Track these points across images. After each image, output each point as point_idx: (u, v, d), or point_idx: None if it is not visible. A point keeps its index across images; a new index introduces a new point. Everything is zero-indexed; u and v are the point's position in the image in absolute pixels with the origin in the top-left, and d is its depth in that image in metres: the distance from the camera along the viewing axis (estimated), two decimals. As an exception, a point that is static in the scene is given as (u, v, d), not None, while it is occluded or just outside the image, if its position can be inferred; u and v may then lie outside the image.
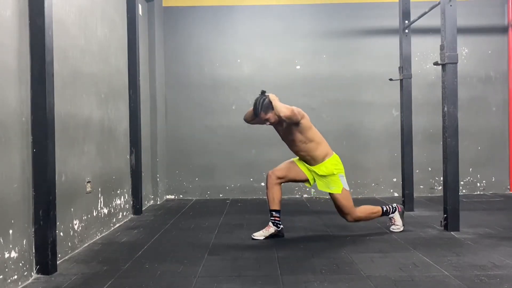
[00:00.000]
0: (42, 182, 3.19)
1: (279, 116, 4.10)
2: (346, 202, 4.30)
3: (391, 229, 4.52)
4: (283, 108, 4.07)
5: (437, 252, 3.69)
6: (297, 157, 4.45)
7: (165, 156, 7.13)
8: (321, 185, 4.36)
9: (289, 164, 4.42)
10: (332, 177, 4.30)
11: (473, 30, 7.15)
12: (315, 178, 4.37)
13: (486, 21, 7.20)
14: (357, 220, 4.40)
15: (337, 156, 4.40)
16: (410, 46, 5.70)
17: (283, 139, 4.43)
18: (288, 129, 4.27)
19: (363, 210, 4.42)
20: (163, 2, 7.19)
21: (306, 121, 4.24)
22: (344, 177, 4.36)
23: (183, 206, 6.40)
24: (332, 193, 4.31)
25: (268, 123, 4.26)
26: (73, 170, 3.91)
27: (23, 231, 3.06)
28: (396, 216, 4.53)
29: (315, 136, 4.31)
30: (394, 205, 4.58)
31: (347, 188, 4.34)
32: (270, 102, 4.14)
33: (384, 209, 4.50)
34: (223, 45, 7.22)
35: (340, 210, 4.35)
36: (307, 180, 4.42)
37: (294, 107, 4.17)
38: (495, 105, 7.23)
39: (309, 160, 4.34)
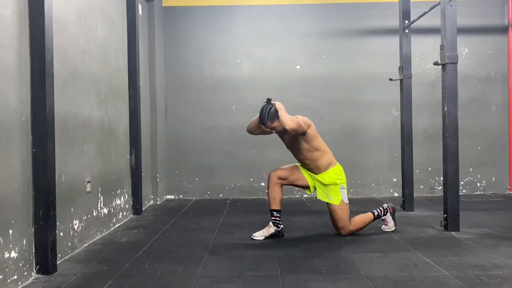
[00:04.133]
0: (42, 182, 3.19)
1: (284, 129, 4.10)
2: (343, 214, 4.31)
3: (382, 229, 4.55)
4: (289, 121, 4.05)
5: (437, 252, 3.69)
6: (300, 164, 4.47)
7: (165, 156, 7.13)
8: (321, 194, 4.38)
9: (292, 167, 4.43)
10: (333, 187, 4.33)
11: (473, 30, 7.15)
12: (317, 186, 4.38)
13: (486, 21, 7.20)
14: (351, 233, 4.39)
15: (340, 166, 4.42)
16: (410, 46, 5.70)
17: (288, 147, 4.43)
18: (294, 138, 4.27)
19: (356, 223, 4.41)
20: (163, 2, 7.19)
21: (312, 130, 4.25)
22: (345, 190, 4.38)
23: (183, 206, 6.40)
24: (330, 204, 4.32)
25: (275, 131, 4.26)
26: (73, 170, 3.91)
27: (23, 231, 3.06)
28: (388, 217, 4.54)
29: (320, 145, 4.32)
30: (385, 206, 4.56)
31: (346, 201, 4.35)
32: (277, 111, 4.12)
33: (376, 213, 4.49)
34: (223, 45, 7.22)
35: (335, 222, 4.36)
36: (307, 187, 4.43)
37: (300, 118, 4.17)
38: (495, 105, 7.23)
39: (313, 168, 4.35)
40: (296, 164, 4.49)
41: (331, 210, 4.34)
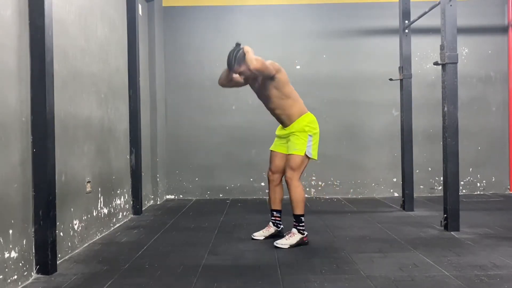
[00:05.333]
0: (42, 182, 3.19)
1: (249, 70, 3.86)
2: (299, 162, 4.00)
3: (275, 242, 3.99)
4: (253, 61, 3.81)
5: (437, 252, 3.69)
6: (274, 142, 4.31)
7: (165, 156, 7.13)
8: (279, 147, 4.18)
9: (273, 154, 4.28)
10: (300, 134, 4.04)
11: (473, 30, 7.15)
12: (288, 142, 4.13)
13: (486, 21, 7.20)
14: (292, 185, 3.99)
15: (312, 115, 4.16)
16: (410, 46, 5.70)
17: (259, 97, 4.22)
18: (263, 84, 4.05)
19: (302, 190, 4.04)
20: (163, 2, 7.19)
21: (282, 76, 4.03)
22: (313, 140, 4.07)
23: (183, 206, 6.40)
24: (291, 154, 4.03)
25: (243, 77, 4.05)
26: (73, 170, 3.91)
27: (23, 231, 3.06)
28: (297, 237, 3.98)
29: (292, 93, 4.10)
30: (306, 233, 4.06)
31: (310, 155, 4.03)
32: (244, 54, 3.88)
33: (303, 218, 4.04)
34: (223, 45, 7.14)
35: (288, 163, 4.04)
36: None
37: (269, 61, 3.98)
38: (495, 105, 7.23)
39: (284, 119, 4.12)
40: (271, 148, 4.30)
41: (288, 159, 4.05)
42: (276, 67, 4.01)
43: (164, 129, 7.13)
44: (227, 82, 4.17)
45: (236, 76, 4.06)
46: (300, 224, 4.02)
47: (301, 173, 4.09)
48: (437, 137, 6.67)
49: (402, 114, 5.75)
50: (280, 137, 4.27)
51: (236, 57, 3.95)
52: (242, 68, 3.96)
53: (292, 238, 3.98)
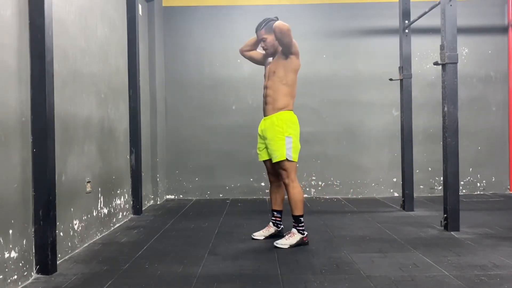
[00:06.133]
0: (42, 182, 3.19)
1: (274, 31, 3.90)
2: (286, 170, 3.98)
3: (275, 242, 3.99)
4: (282, 25, 3.84)
5: (437, 252, 3.69)
6: (257, 149, 4.26)
7: (165, 156, 7.13)
8: (264, 155, 4.17)
9: (265, 163, 4.30)
10: (275, 137, 4.00)
11: (473, 30, 7.15)
12: (266, 144, 4.13)
13: (486, 21, 7.20)
14: (289, 187, 3.99)
15: (295, 116, 4.09)
16: (410, 46, 5.70)
17: (265, 74, 4.22)
18: (276, 60, 4.09)
19: (301, 190, 4.03)
20: (163, 2, 7.19)
21: (296, 61, 4.04)
22: (293, 142, 3.98)
23: (183, 206, 6.40)
24: (275, 162, 4.03)
25: (264, 48, 4.15)
26: (73, 170, 3.91)
27: (23, 231, 3.06)
28: (297, 237, 3.97)
29: (292, 85, 4.07)
30: (306, 233, 4.04)
31: (290, 158, 3.96)
32: (275, 25, 3.91)
33: (302, 219, 4.02)
34: (223, 45, 7.22)
35: (279, 167, 4.04)
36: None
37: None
38: (495, 105, 7.23)
39: (269, 103, 4.07)
40: (260, 159, 4.26)
41: (276, 166, 4.07)
42: (298, 51, 4.08)
43: (164, 129, 7.13)
44: (249, 48, 4.34)
45: (256, 52, 4.22)
46: (300, 225, 4.01)
47: (295, 173, 4.03)
48: (437, 137, 6.68)
49: (402, 114, 5.75)
50: (261, 136, 4.22)
51: (267, 23, 4.10)
52: (266, 36, 4.10)
53: (292, 238, 3.98)
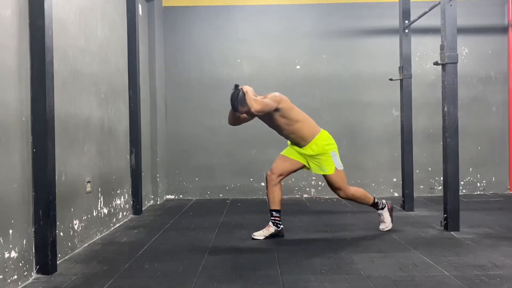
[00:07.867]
0: (42, 182, 3.19)
1: (250, 112, 4.08)
2: (339, 180, 4.28)
3: (380, 228, 4.53)
4: (253, 104, 4.00)
5: (437, 252, 3.69)
6: (286, 148, 4.41)
7: (165, 156, 7.13)
8: (315, 168, 4.31)
9: (282, 158, 4.38)
10: (323, 156, 4.24)
11: (473, 30, 7.15)
12: (309, 161, 4.31)
13: (486, 21, 7.20)
14: (349, 197, 4.37)
15: (326, 132, 4.33)
16: (410, 46, 5.71)
17: (270, 126, 4.38)
18: (270, 116, 4.22)
19: (358, 192, 4.40)
20: (163, 2, 7.19)
21: (285, 104, 4.18)
22: (337, 155, 4.30)
23: (183, 206, 6.40)
24: (325, 175, 4.29)
25: (254, 114, 4.21)
26: (73, 170, 3.91)
27: (23, 231, 3.06)
28: (386, 213, 4.52)
29: (299, 117, 4.24)
30: (384, 201, 4.56)
31: (340, 168, 4.28)
32: (244, 95, 4.07)
33: (376, 200, 4.48)
34: (223, 45, 7.22)
35: (332, 185, 4.34)
36: (304, 166, 4.37)
37: (269, 96, 4.13)
38: (495, 105, 7.23)
39: (299, 141, 4.28)
40: (282, 152, 4.43)
41: (327, 178, 4.31)
42: (277, 99, 4.15)
43: (164, 129, 7.13)
44: (236, 122, 4.39)
45: (243, 115, 4.26)
46: (382, 205, 4.50)
47: (346, 181, 4.32)
48: (437, 137, 6.67)
49: (402, 114, 5.75)
50: (294, 149, 4.37)
51: (238, 100, 4.12)
52: (246, 108, 4.12)
53: (383, 212, 4.51)
